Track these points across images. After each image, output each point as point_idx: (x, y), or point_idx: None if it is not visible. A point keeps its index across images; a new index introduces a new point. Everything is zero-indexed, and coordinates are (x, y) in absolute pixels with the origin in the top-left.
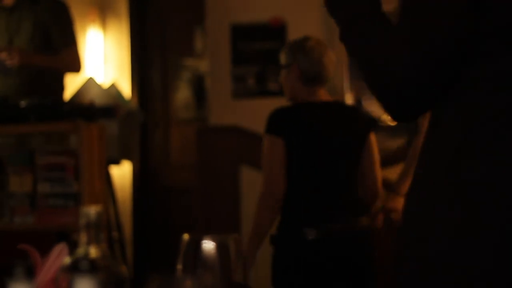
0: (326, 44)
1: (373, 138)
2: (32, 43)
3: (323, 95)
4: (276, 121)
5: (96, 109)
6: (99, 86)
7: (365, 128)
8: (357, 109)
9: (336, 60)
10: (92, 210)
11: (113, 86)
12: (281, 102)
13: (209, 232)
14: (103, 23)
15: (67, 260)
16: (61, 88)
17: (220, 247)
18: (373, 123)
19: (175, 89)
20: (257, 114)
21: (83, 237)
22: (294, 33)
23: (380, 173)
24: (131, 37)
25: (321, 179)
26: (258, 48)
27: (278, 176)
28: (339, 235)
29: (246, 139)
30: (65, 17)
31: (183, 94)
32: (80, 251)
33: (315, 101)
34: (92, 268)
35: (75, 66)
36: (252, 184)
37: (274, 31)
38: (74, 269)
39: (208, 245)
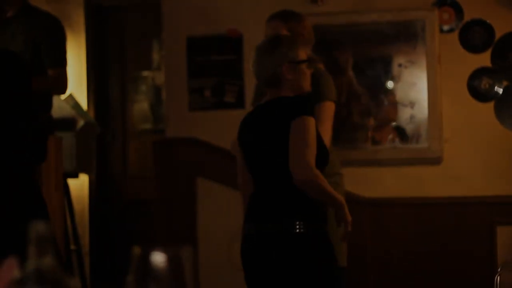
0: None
1: (297, 123)
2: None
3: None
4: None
5: (53, 121)
6: (56, 98)
7: (288, 116)
8: (296, 99)
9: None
10: (41, 223)
11: (70, 98)
12: (237, 114)
13: (164, 244)
14: None
15: (16, 274)
16: (47, 107)
17: (171, 259)
18: (297, 111)
19: (132, 101)
20: (213, 126)
21: (32, 251)
22: (250, 45)
23: (302, 158)
24: (87, 49)
25: (256, 180)
26: (215, 61)
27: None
28: (253, 235)
29: (203, 151)
30: (58, 36)
31: (140, 106)
32: (30, 264)
33: (264, 101)
34: (42, 281)
35: (60, 88)
36: (208, 195)
37: (231, 43)
38: (24, 283)
39: (160, 257)
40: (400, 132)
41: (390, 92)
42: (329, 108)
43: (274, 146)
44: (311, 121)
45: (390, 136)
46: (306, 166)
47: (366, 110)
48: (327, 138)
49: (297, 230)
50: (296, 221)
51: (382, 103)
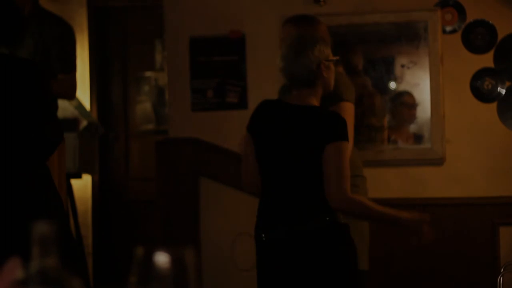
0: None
1: (331, 149)
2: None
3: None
4: (251, 117)
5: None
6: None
7: (325, 137)
8: (327, 116)
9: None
10: (44, 223)
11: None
12: (239, 114)
13: (167, 244)
14: None
15: (20, 274)
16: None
17: (174, 260)
18: (334, 134)
19: (135, 102)
20: (215, 126)
21: (36, 251)
22: (252, 46)
23: (337, 185)
24: (90, 49)
25: (272, 180)
26: (217, 61)
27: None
28: (279, 238)
29: (205, 151)
30: (69, 41)
31: (143, 106)
32: (33, 265)
33: (293, 102)
34: (46, 282)
35: (69, 93)
36: (211, 196)
37: (233, 44)
38: (27, 283)
39: (162, 258)
40: (416, 134)
41: (407, 93)
42: (349, 109)
43: (302, 156)
44: (347, 146)
45: (405, 137)
46: (343, 195)
47: (380, 111)
48: (350, 141)
49: (330, 226)
50: (326, 218)
51: (398, 104)
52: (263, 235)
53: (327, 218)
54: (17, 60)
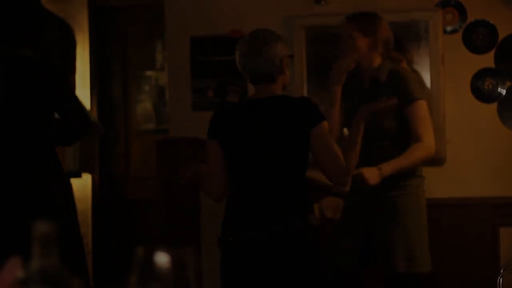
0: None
1: (318, 131)
2: None
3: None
4: (212, 124)
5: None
6: None
7: (306, 122)
8: (303, 102)
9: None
10: (44, 223)
11: None
12: None
13: (167, 244)
14: None
15: (20, 273)
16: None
17: (175, 260)
18: (317, 117)
19: (135, 101)
20: None
21: (36, 251)
22: None
23: (338, 161)
24: (91, 49)
25: (254, 180)
26: (218, 61)
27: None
28: (264, 239)
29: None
30: (68, 42)
31: (143, 106)
32: (33, 264)
33: (258, 97)
34: (45, 281)
35: None
36: None
37: (233, 43)
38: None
39: (163, 258)
40: None
41: None
42: (424, 108)
43: (287, 148)
44: (327, 125)
45: None
46: (346, 171)
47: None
48: (430, 137)
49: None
50: (310, 215)
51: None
52: (242, 235)
53: (305, 218)
54: (37, 63)
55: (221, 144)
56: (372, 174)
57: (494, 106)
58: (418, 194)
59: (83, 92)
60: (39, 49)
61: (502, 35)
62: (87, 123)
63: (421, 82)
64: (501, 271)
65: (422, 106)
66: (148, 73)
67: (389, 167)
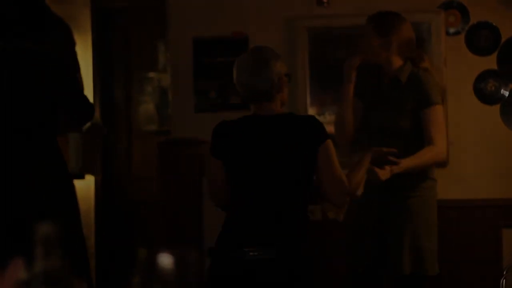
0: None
1: (323, 149)
2: None
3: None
4: (215, 142)
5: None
6: None
7: (314, 140)
8: (307, 120)
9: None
10: (47, 224)
11: None
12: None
13: (170, 245)
14: None
15: (23, 275)
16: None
17: (177, 261)
18: (323, 135)
19: (138, 102)
20: None
21: (39, 252)
22: None
23: (340, 182)
24: (93, 50)
25: (255, 200)
26: (220, 62)
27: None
28: (252, 264)
29: (208, 152)
30: (68, 41)
31: (146, 107)
32: (36, 265)
33: (262, 114)
34: (48, 282)
35: None
36: None
37: (236, 45)
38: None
39: (165, 259)
40: None
41: None
42: (439, 112)
43: (294, 167)
44: (331, 143)
45: None
46: (347, 191)
47: None
48: (443, 142)
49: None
50: (304, 245)
51: None
52: (245, 253)
53: (299, 249)
54: (44, 54)
55: (226, 165)
56: (383, 170)
57: (497, 107)
58: (430, 197)
59: (86, 92)
60: (44, 43)
61: (504, 37)
62: (90, 107)
63: (439, 85)
64: (504, 273)
65: (438, 111)
66: (151, 74)
67: (400, 164)
